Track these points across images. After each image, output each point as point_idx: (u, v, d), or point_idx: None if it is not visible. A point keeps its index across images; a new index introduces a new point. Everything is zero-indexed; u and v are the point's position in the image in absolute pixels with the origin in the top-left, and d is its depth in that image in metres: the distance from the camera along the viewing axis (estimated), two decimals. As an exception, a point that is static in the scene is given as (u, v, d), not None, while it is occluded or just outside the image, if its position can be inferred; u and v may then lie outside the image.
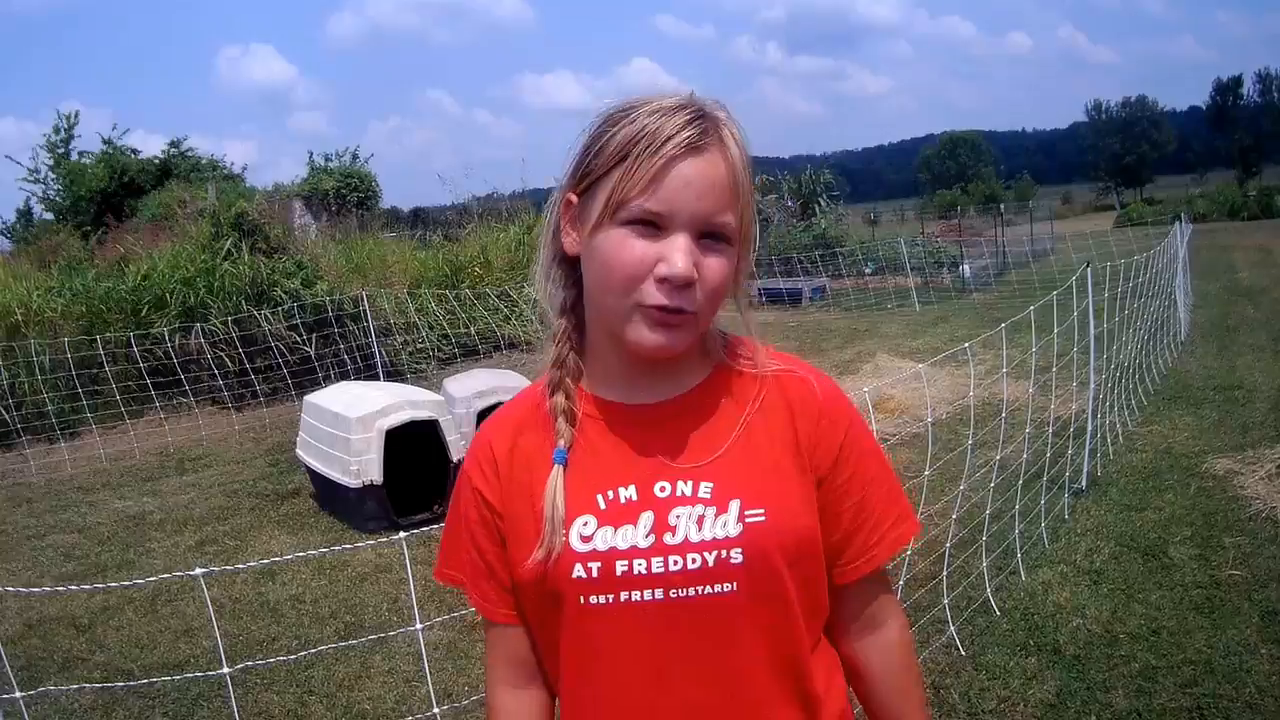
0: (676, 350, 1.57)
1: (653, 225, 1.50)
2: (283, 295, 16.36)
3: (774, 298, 23.28)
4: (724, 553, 1.57)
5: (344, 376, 14.79)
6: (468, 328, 18.75)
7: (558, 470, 1.63)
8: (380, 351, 16.46)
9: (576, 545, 1.60)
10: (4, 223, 33.30)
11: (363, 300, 16.46)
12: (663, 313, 1.51)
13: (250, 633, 7.01)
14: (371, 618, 7.18)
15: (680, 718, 1.62)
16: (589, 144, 1.60)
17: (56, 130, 35.31)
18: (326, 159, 38.13)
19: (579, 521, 1.61)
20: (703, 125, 1.52)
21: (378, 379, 14.88)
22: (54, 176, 34.73)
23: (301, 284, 16.86)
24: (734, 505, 1.59)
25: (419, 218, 36.93)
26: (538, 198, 28.00)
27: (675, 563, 1.58)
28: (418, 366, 17.41)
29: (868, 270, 25.82)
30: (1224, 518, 7.45)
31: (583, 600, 1.61)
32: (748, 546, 1.58)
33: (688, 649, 1.60)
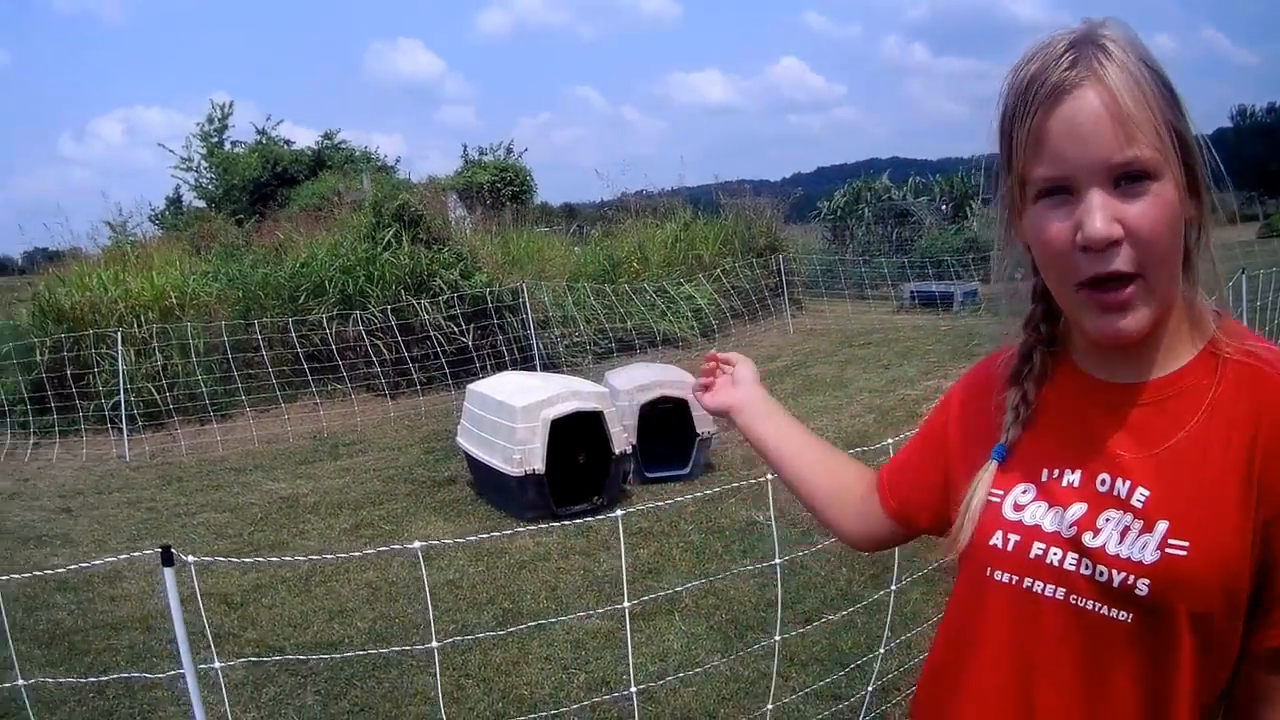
0: (1135, 333, 1.41)
1: (1064, 192, 1.38)
2: (442, 286, 16.56)
3: (926, 300, 22.67)
4: (1131, 578, 1.42)
5: (500, 367, 14.78)
6: (624, 323, 18.72)
7: (991, 467, 1.61)
8: (537, 343, 16.59)
9: (1008, 512, 1.56)
10: (153, 209, 33.97)
11: (521, 292, 16.62)
12: (1100, 290, 1.38)
13: (406, 616, 7.03)
14: (529, 605, 7.14)
15: None
16: (998, 122, 1.50)
17: (210, 120, 36.27)
18: (480, 152, 38.43)
19: (1018, 489, 1.57)
20: (1072, 58, 1.37)
21: (534, 371, 14.84)
22: (207, 165, 35.56)
23: (460, 275, 17.01)
24: (1160, 527, 1.42)
25: (572, 213, 37.01)
26: (694, 195, 28.06)
27: (1086, 567, 1.47)
28: (574, 360, 17.38)
29: (1017, 275, 25.16)
30: None
31: (989, 571, 1.57)
32: (1156, 581, 1.41)
33: (1064, 662, 1.50)
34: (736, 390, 2.22)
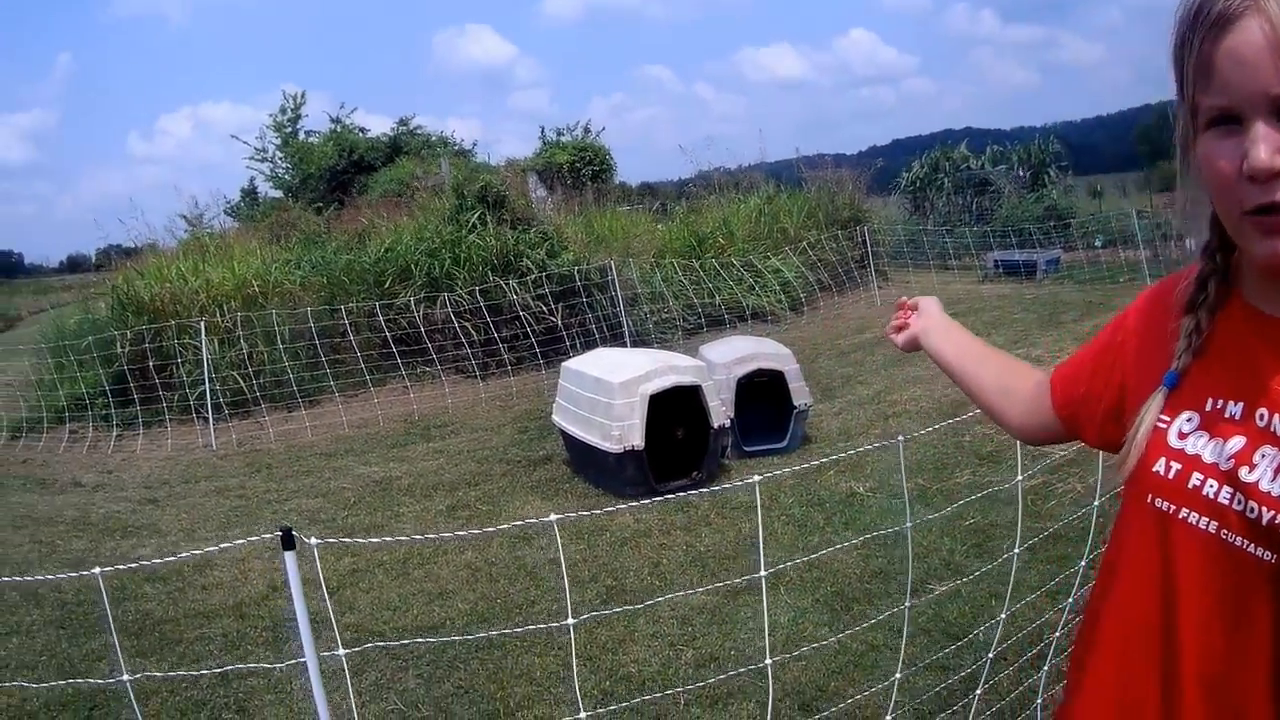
0: None
1: (1232, 121, 1.35)
2: (529, 266, 16.40)
3: (1010, 269, 22.51)
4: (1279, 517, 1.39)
5: (590, 346, 14.55)
6: (712, 298, 18.54)
7: (1160, 394, 1.60)
8: (627, 321, 16.39)
9: (1172, 440, 1.55)
10: (228, 202, 34.14)
11: (610, 269, 16.41)
12: (1265, 216, 1.34)
13: (508, 595, 6.82)
14: (633, 582, 6.92)
15: (1173, 671, 1.53)
16: (1171, 52, 1.46)
17: (283, 110, 36.41)
18: (558, 133, 38.29)
19: (1184, 417, 1.56)
20: None
21: (625, 348, 14.66)
22: (281, 155, 35.69)
23: (547, 255, 16.88)
24: None
25: (651, 191, 36.86)
26: (775, 170, 27.84)
27: (1239, 502, 1.44)
28: (663, 336, 17.20)
29: (1097, 244, 25.04)
30: None
31: (1149, 498, 1.57)
32: None
33: (1208, 597, 1.48)
34: (921, 320, 2.36)
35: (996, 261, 23.10)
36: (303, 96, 36.85)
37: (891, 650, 5.52)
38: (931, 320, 2.34)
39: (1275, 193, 1.31)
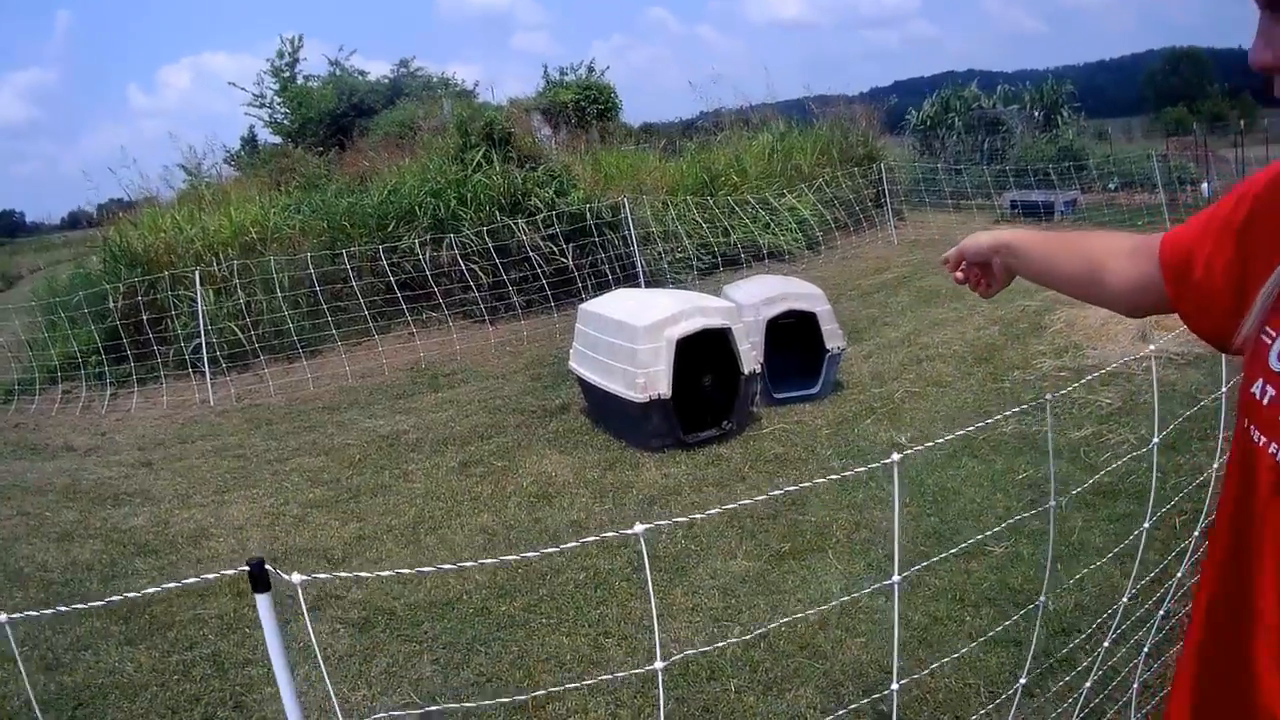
0: None
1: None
2: (538, 205, 15.81)
3: (1028, 209, 22.23)
4: None
5: (602, 287, 14.20)
6: (727, 236, 18.03)
7: (1271, 294, 1.36)
8: (641, 260, 15.82)
9: (1273, 361, 1.34)
10: (228, 150, 33.54)
11: (624, 206, 15.84)
12: None
13: (530, 564, 6.22)
14: (665, 546, 6.36)
15: (1235, 608, 1.36)
16: None
17: (280, 55, 35.61)
18: (561, 72, 37.67)
19: None
20: None
21: (639, 289, 14.10)
22: (280, 100, 35.04)
23: (556, 193, 16.31)
24: None
25: (653, 133, 36.35)
26: (785, 108, 27.37)
27: None
28: (677, 276, 16.65)
29: (1112, 186, 24.92)
30: None
31: (1246, 425, 1.37)
32: None
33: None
34: (999, 262, 2.15)
35: (1013, 201, 22.80)
36: (300, 40, 36.15)
37: (956, 622, 5.10)
38: (1001, 262, 2.13)
39: None
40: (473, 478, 7.99)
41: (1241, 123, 30.68)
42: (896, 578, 2.61)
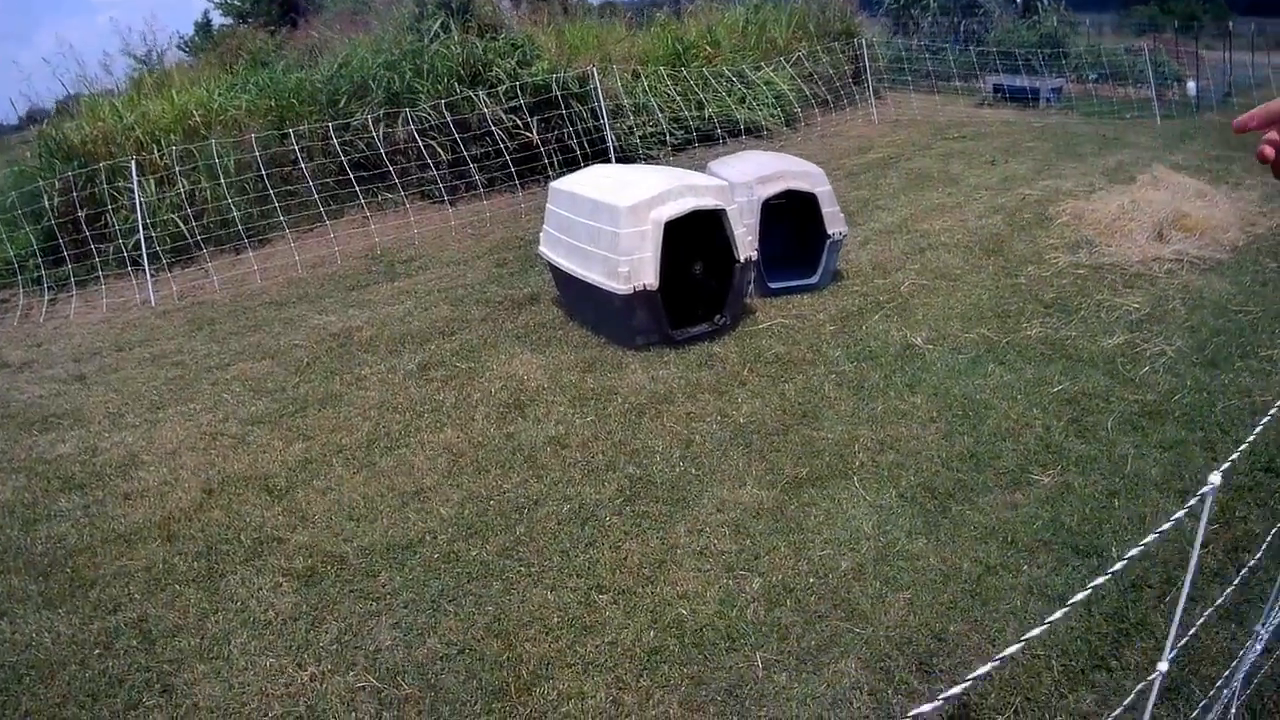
0: None
1: None
2: (499, 76, 14.68)
3: (1015, 94, 21.70)
4: None
5: (570, 164, 13.25)
6: (700, 110, 16.98)
7: None
8: (611, 135, 14.80)
9: None
10: (182, 38, 32.29)
11: (593, 77, 14.80)
12: None
13: (504, 492, 5.42)
14: (661, 469, 5.53)
15: None
16: None
17: (231, -69, 34.26)
18: (523, -59, 36.46)
19: None
20: None
21: (609, 165, 13.13)
22: (230, -21, 33.75)
23: (518, 64, 15.19)
24: None
25: (613, 9, 35.29)
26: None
27: None
28: (649, 152, 15.68)
29: (1091, 77, 24.32)
30: None
31: None
32: None
33: None
34: None
35: (996, 86, 22.25)
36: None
37: (1011, 572, 4.32)
38: None
39: None
40: (434, 383, 7.11)
41: (1230, 25, 30.07)
42: (1162, 667, 1.81)
